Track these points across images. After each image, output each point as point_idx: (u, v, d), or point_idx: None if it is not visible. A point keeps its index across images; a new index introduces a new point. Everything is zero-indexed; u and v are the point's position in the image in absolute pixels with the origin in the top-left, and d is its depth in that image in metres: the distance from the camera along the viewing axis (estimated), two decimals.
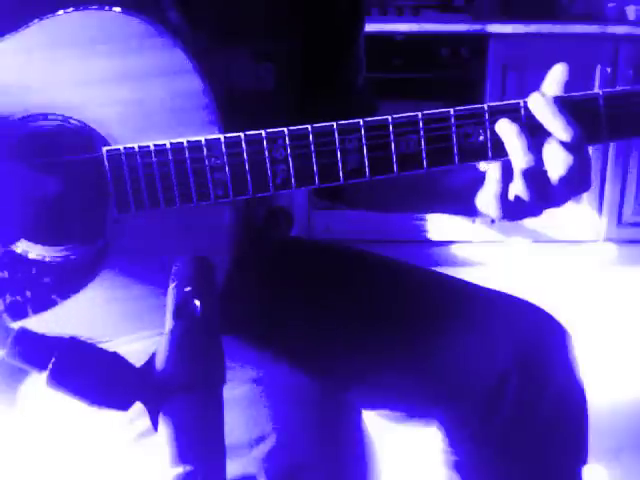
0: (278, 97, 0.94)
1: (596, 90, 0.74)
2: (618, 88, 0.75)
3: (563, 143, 0.73)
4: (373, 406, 1.02)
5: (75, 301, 0.81)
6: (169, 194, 0.77)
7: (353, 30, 1.02)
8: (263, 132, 0.76)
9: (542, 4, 2.91)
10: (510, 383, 0.98)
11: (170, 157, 0.76)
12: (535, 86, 0.78)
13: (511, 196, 0.77)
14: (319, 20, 0.97)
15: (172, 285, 0.54)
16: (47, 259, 0.81)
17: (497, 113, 0.75)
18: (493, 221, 2.95)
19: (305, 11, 0.95)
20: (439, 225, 2.94)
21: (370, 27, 3.08)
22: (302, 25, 0.95)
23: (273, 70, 0.93)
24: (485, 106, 0.75)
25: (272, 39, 0.93)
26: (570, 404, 1.01)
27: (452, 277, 1.07)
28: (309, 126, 0.75)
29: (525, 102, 0.75)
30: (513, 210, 0.78)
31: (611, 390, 2.07)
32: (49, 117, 0.78)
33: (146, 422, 0.50)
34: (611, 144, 2.80)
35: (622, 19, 2.90)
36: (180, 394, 0.49)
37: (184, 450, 0.48)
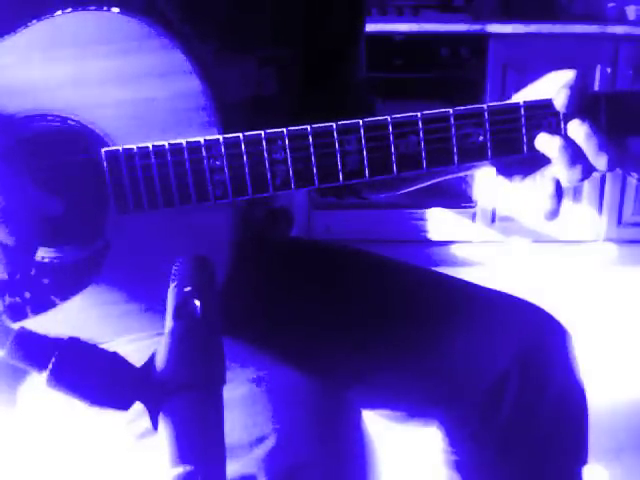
0: (280, 100, 0.94)
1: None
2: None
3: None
4: (373, 406, 1.02)
5: (75, 302, 0.81)
6: (168, 195, 0.77)
7: (352, 33, 1.03)
8: (262, 133, 0.76)
9: (542, 4, 2.91)
10: (510, 383, 0.98)
11: (169, 158, 0.76)
12: None
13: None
14: (319, 24, 0.97)
15: (172, 285, 0.54)
16: (46, 260, 0.81)
17: (497, 113, 0.75)
18: (493, 221, 2.95)
19: (306, 16, 0.96)
20: (439, 225, 2.95)
21: (370, 27, 3.07)
22: (303, 29, 0.96)
23: (275, 74, 0.93)
24: (485, 106, 0.75)
25: (275, 44, 0.93)
26: (570, 404, 1.01)
27: (452, 277, 1.07)
28: (308, 127, 0.75)
29: (525, 102, 0.75)
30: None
31: (611, 390, 2.07)
32: (48, 118, 0.78)
33: (146, 422, 0.50)
34: None
35: (622, 19, 2.90)
36: (180, 394, 0.49)
37: (184, 450, 0.48)
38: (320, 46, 0.97)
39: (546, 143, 0.75)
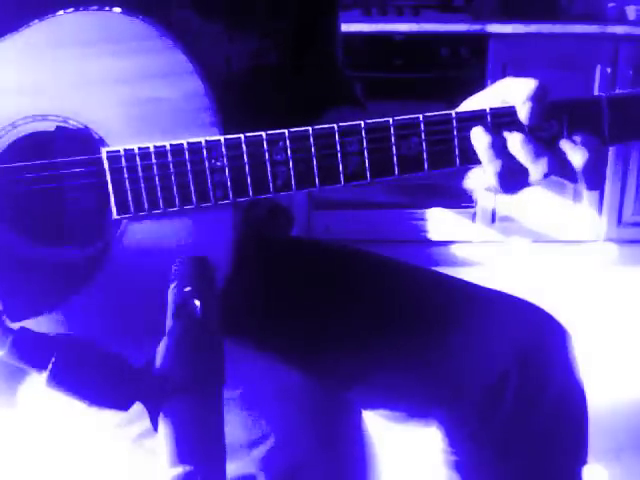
0: (280, 72, 0.95)
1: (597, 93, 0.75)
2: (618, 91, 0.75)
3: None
4: (373, 406, 1.02)
5: (75, 302, 0.81)
6: (169, 196, 0.77)
7: (332, 8, 1.05)
8: (264, 134, 0.76)
9: (542, 4, 2.91)
10: (510, 383, 0.98)
11: (170, 159, 0.76)
12: None
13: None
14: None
15: (172, 285, 0.54)
16: (47, 260, 0.81)
17: (499, 116, 0.75)
18: (493, 221, 2.95)
19: None
20: (439, 225, 2.94)
21: (370, 27, 3.05)
22: (296, 4, 0.97)
23: (274, 47, 0.94)
24: (487, 109, 0.75)
25: (273, 19, 0.94)
26: (570, 404, 1.01)
27: (452, 277, 1.07)
28: (310, 128, 0.75)
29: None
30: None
31: (611, 390, 2.07)
32: (49, 118, 0.78)
33: (146, 422, 0.50)
34: None
35: (622, 19, 2.90)
36: (180, 394, 0.49)
37: (184, 450, 0.48)
38: (307, 19, 1.00)
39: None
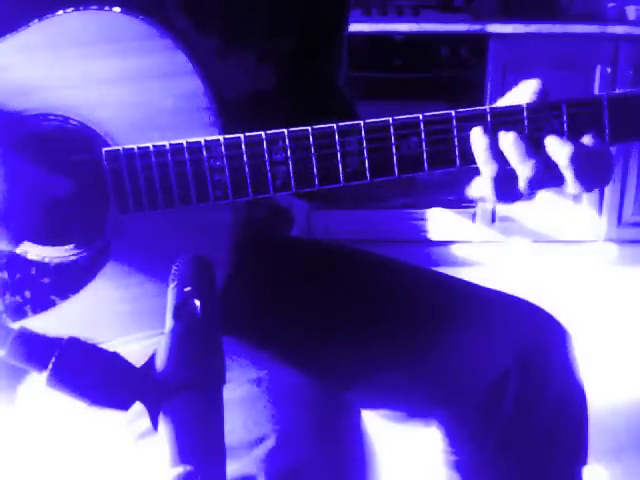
0: (278, 93, 0.95)
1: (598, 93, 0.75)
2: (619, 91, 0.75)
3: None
4: (373, 406, 1.02)
5: (74, 301, 0.81)
6: (168, 195, 0.77)
7: (338, 29, 1.04)
8: (263, 134, 0.75)
9: (542, 4, 2.91)
10: (510, 383, 0.98)
11: (169, 158, 0.76)
12: None
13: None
14: (310, 20, 0.98)
15: (172, 285, 0.54)
16: (46, 259, 0.81)
17: (499, 115, 0.75)
18: (493, 221, 2.95)
19: (302, 12, 0.96)
20: (439, 225, 2.95)
21: (370, 27, 3.05)
22: (299, 25, 0.96)
23: (273, 67, 0.94)
24: (487, 108, 0.75)
25: (274, 37, 0.93)
26: (570, 404, 1.01)
27: (452, 277, 1.07)
28: (309, 128, 0.75)
29: (528, 104, 0.75)
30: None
31: (611, 390, 2.07)
32: (49, 117, 0.78)
33: (146, 422, 0.50)
34: None
35: (622, 19, 2.90)
36: (180, 394, 0.49)
37: (184, 450, 0.48)
38: (309, 41, 0.98)
39: (555, 147, 0.74)
